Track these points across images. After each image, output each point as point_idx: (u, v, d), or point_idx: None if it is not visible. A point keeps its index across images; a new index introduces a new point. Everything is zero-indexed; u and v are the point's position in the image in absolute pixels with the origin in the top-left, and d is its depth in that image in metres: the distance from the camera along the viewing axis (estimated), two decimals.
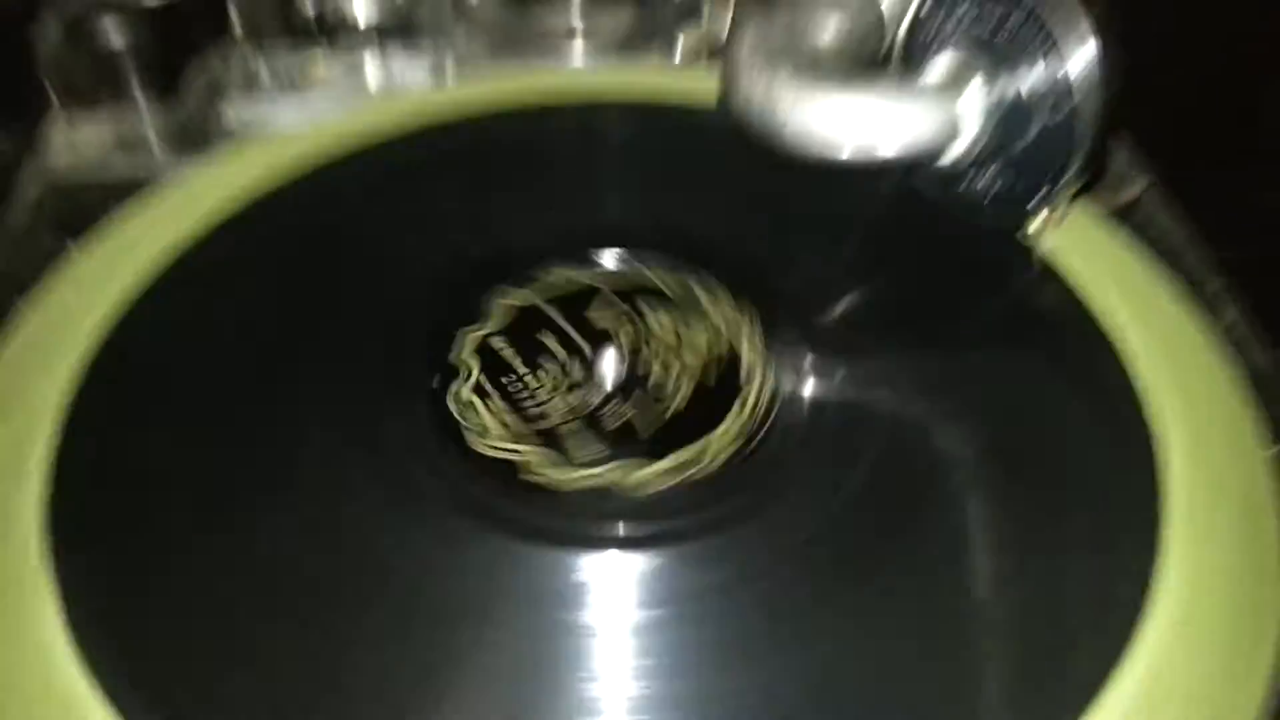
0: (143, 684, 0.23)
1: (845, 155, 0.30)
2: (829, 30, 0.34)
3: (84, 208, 0.40)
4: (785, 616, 0.25)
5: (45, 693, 0.23)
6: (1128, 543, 0.26)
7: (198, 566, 0.26)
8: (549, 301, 0.33)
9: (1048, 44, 0.29)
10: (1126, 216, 0.39)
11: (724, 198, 0.36)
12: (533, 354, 0.31)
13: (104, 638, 0.24)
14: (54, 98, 0.43)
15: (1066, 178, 0.30)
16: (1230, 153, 0.37)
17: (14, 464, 0.28)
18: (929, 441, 0.30)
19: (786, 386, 0.30)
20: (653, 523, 0.27)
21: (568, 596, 0.25)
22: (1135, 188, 0.40)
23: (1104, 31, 0.29)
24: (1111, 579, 0.26)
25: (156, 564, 0.26)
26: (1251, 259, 0.36)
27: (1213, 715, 0.24)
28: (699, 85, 0.38)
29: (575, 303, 0.33)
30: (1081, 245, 0.34)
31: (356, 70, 0.47)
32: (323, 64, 0.47)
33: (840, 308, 0.33)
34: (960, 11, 0.31)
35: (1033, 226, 0.32)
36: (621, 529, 0.27)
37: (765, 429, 0.29)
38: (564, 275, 0.33)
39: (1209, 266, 0.38)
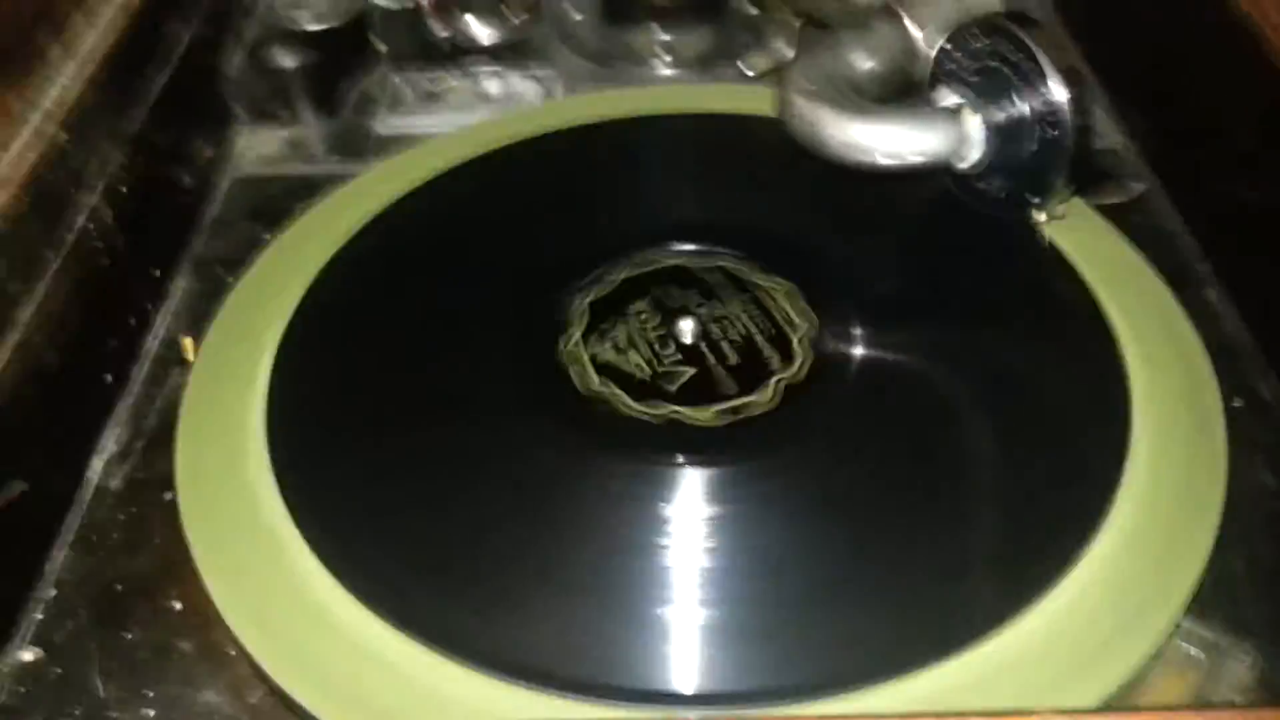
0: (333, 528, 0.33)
1: (876, 164, 0.38)
2: (868, 61, 0.41)
3: (266, 201, 0.49)
4: (818, 510, 0.34)
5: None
6: (1100, 455, 0.34)
7: (380, 458, 0.36)
8: (636, 279, 0.41)
9: (1041, 77, 0.36)
10: (1130, 211, 0.46)
11: (780, 196, 0.44)
12: (624, 318, 0.40)
13: (310, 501, 0.34)
14: (239, 111, 0.53)
15: (1059, 182, 0.38)
16: (1220, 157, 0.44)
17: (242, 397, 0.37)
18: (941, 391, 0.37)
19: (826, 349, 0.38)
20: (710, 448, 0.35)
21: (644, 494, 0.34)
22: (1138, 187, 0.47)
23: (1081, 69, 0.36)
24: (1084, 480, 0.33)
25: (349, 456, 0.36)
26: (1233, 245, 0.43)
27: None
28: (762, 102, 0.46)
29: (657, 281, 0.41)
30: (1079, 234, 0.41)
31: (481, 87, 0.55)
32: (453, 81, 0.56)
33: (875, 287, 0.41)
34: (973, 49, 0.39)
35: (1035, 220, 0.39)
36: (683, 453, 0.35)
37: (807, 382, 0.37)
38: (649, 260, 0.42)
39: (1196, 252, 0.44)
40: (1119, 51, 0.53)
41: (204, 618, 0.33)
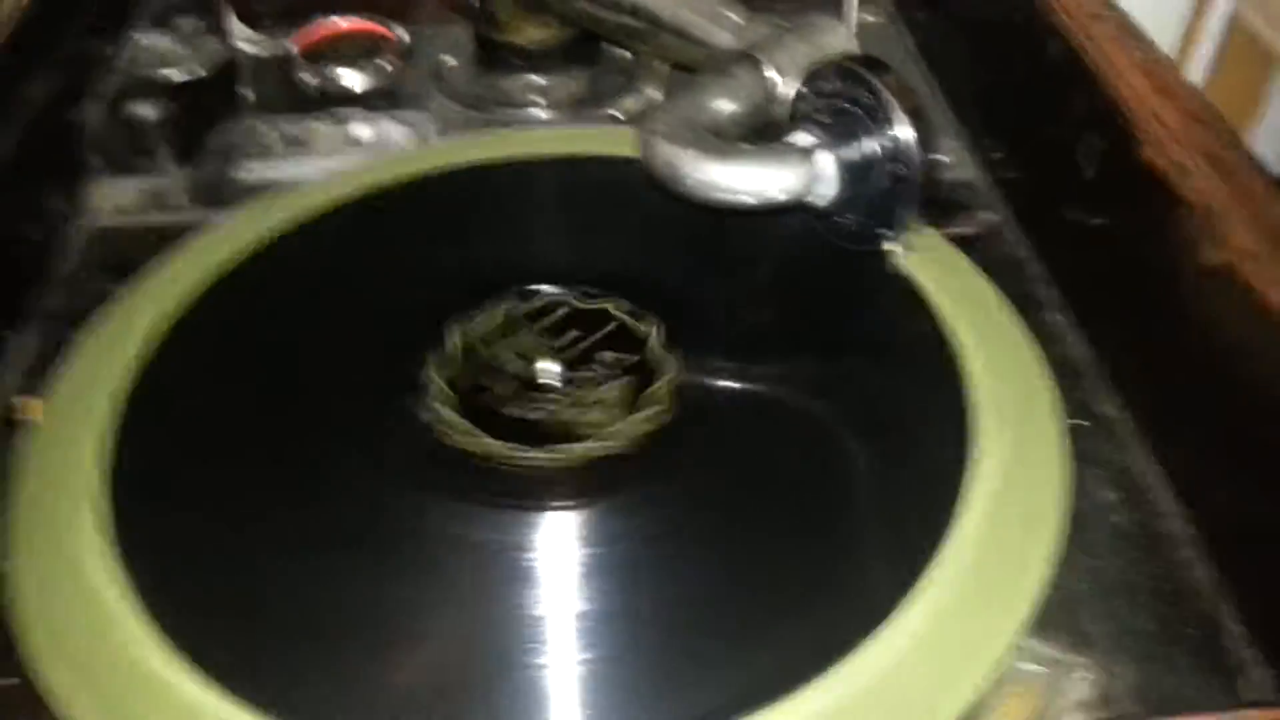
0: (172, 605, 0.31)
1: (732, 201, 0.39)
2: (730, 104, 0.42)
3: (122, 252, 0.48)
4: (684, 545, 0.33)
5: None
6: (943, 474, 0.35)
7: (223, 525, 0.34)
8: (501, 322, 0.41)
9: (888, 119, 0.38)
10: (983, 240, 0.48)
11: (645, 236, 0.44)
12: (486, 359, 0.39)
13: (147, 576, 0.32)
14: (95, 163, 0.52)
15: (908, 216, 0.39)
16: (1066, 188, 0.46)
17: (74, 465, 0.36)
18: (798, 422, 0.38)
19: (689, 386, 0.38)
20: (576, 488, 0.35)
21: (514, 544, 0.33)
22: (990, 217, 0.49)
23: (930, 106, 0.37)
24: (934, 491, 0.34)
25: (193, 529, 0.34)
26: (1077, 271, 0.45)
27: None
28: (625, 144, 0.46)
29: (521, 324, 0.41)
30: (930, 263, 0.42)
31: (350, 132, 0.55)
32: (321, 127, 0.55)
33: (736, 322, 0.41)
34: (826, 91, 0.40)
35: (888, 251, 0.40)
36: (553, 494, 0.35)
37: (670, 417, 0.37)
38: (513, 304, 0.42)
39: (1043, 278, 0.46)
40: (973, 85, 0.55)
41: (35, 697, 0.31)
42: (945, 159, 0.51)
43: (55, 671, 0.30)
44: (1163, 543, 0.36)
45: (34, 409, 0.40)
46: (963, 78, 0.56)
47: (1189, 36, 0.75)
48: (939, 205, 0.40)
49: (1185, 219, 0.37)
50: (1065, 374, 0.40)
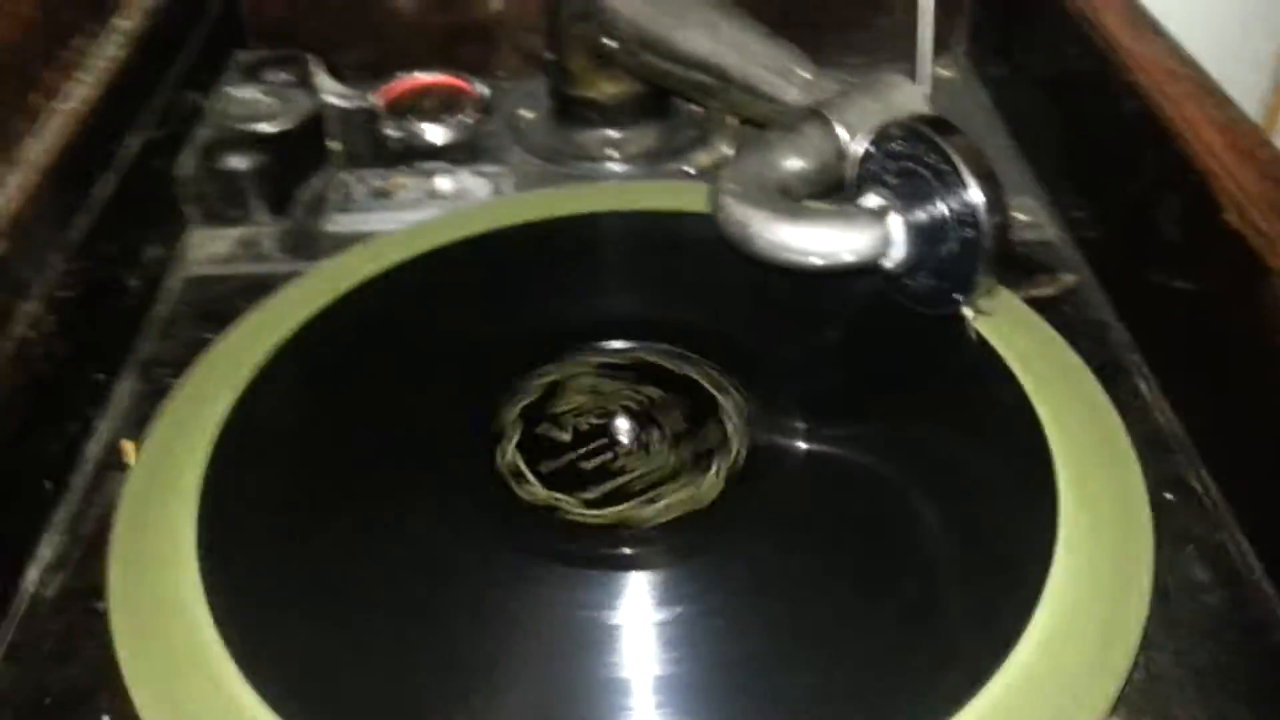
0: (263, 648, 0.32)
1: (802, 264, 0.39)
2: (798, 162, 0.43)
3: (216, 301, 0.50)
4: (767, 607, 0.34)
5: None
6: (1026, 551, 0.34)
7: (312, 573, 0.36)
8: (576, 376, 0.42)
9: (957, 182, 0.38)
10: (1063, 303, 0.47)
11: (719, 292, 0.45)
12: (561, 417, 0.40)
13: (239, 618, 0.33)
14: (190, 212, 0.54)
15: (980, 279, 0.39)
16: (1149, 249, 0.45)
17: (175, 505, 0.37)
18: (872, 489, 0.38)
19: (761, 443, 0.39)
20: (649, 548, 0.35)
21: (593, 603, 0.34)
22: (1071, 279, 0.48)
23: (994, 174, 0.37)
24: (1010, 577, 0.34)
25: (282, 570, 0.36)
26: (1164, 337, 0.44)
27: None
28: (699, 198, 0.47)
29: (594, 379, 0.42)
30: (1008, 327, 0.42)
31: (432, 184, 0.57)
32: (403, 179, 0.57)
33: (810, 383, 0.42)
34: (895, 152, 0.40)
35: (962, 315, 0.40)
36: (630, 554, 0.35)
37: (743, 476, 0.38)
38: (586, 358, 0.43)
39: (1127, 343, 0.45)
40: (1051, 141, 0.55)
41: None
42: (1020, 218, 0.50)
43: (151, 711, 0.32)
44: (1259, 627, 0.35)
45: (129, 451, 0.42)
46: (1040, 133, 0.56)
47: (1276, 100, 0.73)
48: (1016, 266, 0.40)
49: (1272, 287, 0.36)
50: (1152, 445, 0.40)
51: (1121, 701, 0.31)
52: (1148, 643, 0.33)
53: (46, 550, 0.39)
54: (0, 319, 0.39)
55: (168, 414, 0.41)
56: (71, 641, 0.36)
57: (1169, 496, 0.39)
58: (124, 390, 0.45)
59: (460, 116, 0.60)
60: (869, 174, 0.41)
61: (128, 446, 0.42)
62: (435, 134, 0.60)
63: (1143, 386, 0.43)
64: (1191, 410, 0.42)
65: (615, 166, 0.58)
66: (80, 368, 0.43)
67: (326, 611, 0.34)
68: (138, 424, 0.43)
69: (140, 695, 0.32)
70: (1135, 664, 0.32)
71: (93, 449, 0.43)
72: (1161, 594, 0.34)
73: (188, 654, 0.33)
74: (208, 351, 0.44)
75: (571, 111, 0.59)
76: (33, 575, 0.38)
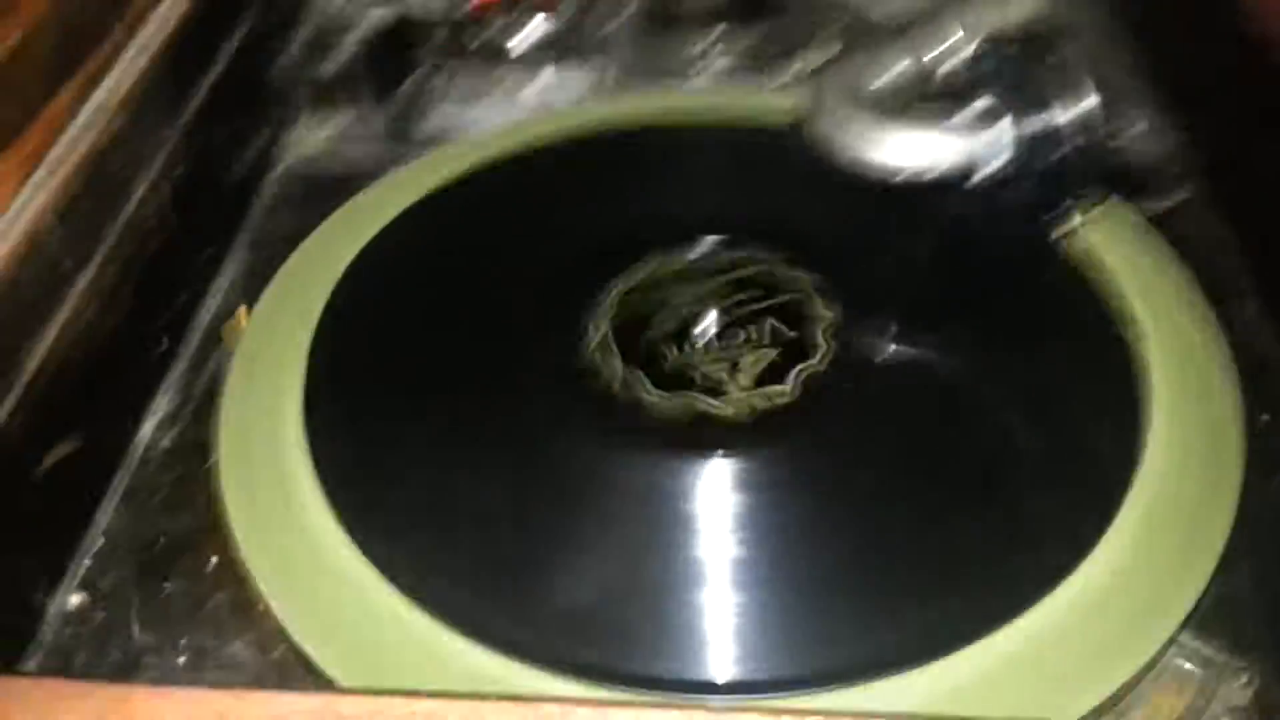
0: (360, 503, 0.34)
1: (905, 171, 0.39)
2: (903, 63, 0.42)
3: (319, 186, 0.51)
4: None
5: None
6: (1111, 460, 0.34)
7: (409, 439, 0.37)
8: (665, 274, 0.42)
9: (1073, 86, 0.37)
10: (1176, 217, 0.45)
11: (810, 199, 0.45)
12: (653, 310, 0.41)
13: (340, 475, 0.35)
14: (295, 99, 0.55)
15: (1087, 190, 0.38)
16: (1266, 173, 0.43)
17: (282, 372, 0.39)
18: (961, 392, 0.38)
19: (850, 346, 0.39)
20: (733, 438, 0.36)
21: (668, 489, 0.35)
22: (1183, 194, 0.46)
23: (1111, 79, 0.36)
24: (1093, 486, 0.34)
25: (381, 435, 0.37)
26: (1276, 261, 0.42)
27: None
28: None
29: (687, 276, 0.42)
30: (1116, 238, 0.41)
31: (527, 84, 0.57)
32: (497, 82, 0.57)
33: (900, 288, 0.41)
34: (1007, 54, 0.39)
35: (1063, 229, 0.40)
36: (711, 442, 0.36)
37: (829, 378, 0.38)
38: (678, 257, 0.43)
39: (1242, 264, 0.44)
40: (1173, 59, 0.52)
41: (237, 575, 0.35)
42: (1134, 129, 0.48)
43: (254, 557, 0.34)
44: None
45: (241, 317, 0.44)
46: (1157, 43, 0.53)
47: None
48: (1128, 179, 0.38)
49: None
50: (1256, 367, 0.38)
51: (1194, 618, 0.31)
52: (1225, 564, 0.32)
53: (161, 406, 0.41)
54: (118, 189, 0.41)
55: (277, 286, 0.43)
56: (183, 491, 0.38)
57: (1266, 418, 0.38)
58: (235, 263, 0.47)
59: (551, 17, 0.59)
60: (980, 77, 0.40)
61: (240, 312, 0.44)
62: (526, 35, 0.59)
63: (1251, 308, 0.42)
64: None
65: (709, 72, 0.57)
66: (193, 239, 0.45)
67: (419, 475, 0.36)
68: (247, 295, 0.45)
69: (245, 542, 0.35)
70: (1210, 584, 0.32)
71: (204, 317, 0.45)
72: (1246, 515, 0.34)
73: (290, 508, 0.35)
74: (316, 231, 0.46)
75: (665, 15, 0.58)
76: (147, 429, 0.41)
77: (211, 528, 0.37)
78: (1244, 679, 0.31)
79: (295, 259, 0.44)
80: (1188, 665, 0.31)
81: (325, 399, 0.38)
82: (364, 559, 0.33)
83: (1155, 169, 0.47)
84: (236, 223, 0.49)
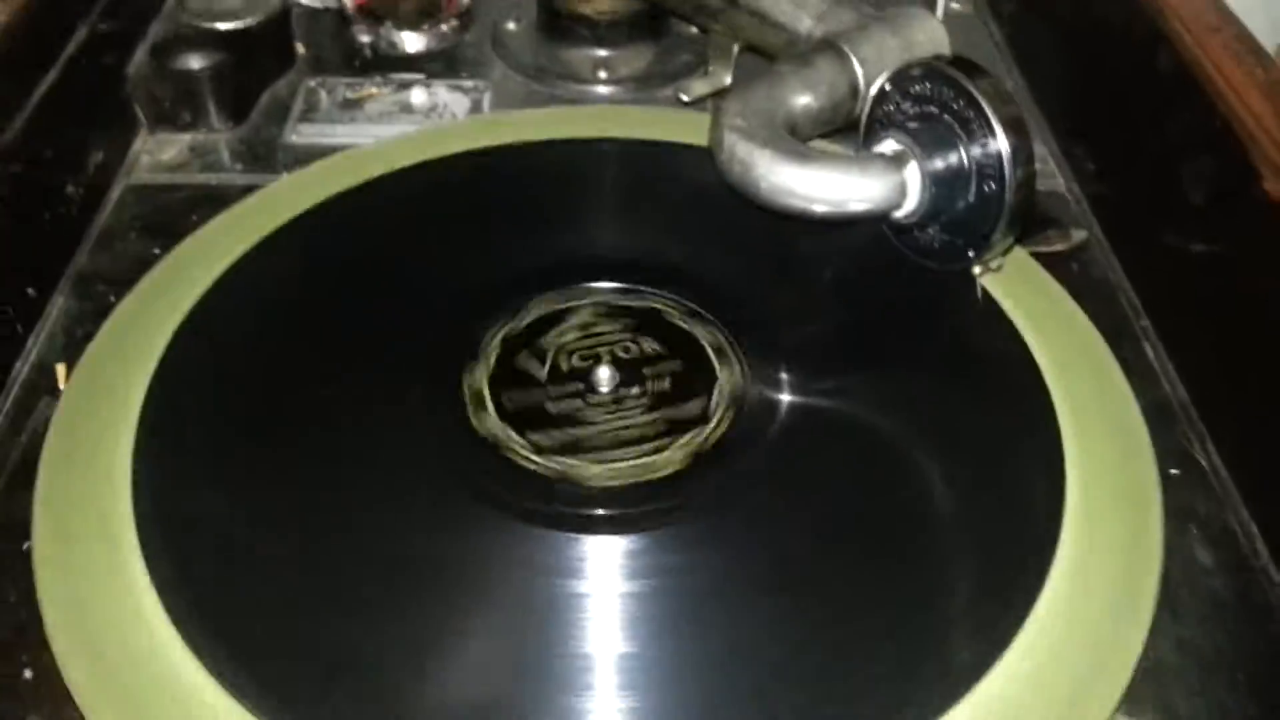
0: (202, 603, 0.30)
1: (810, 211, 0.36)
2: (807, 97, 0.39)
3: (163, 212, 0.46)
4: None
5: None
6: (1031, 531, 0.32)
7: (261, 521, 0.33)
8: (553, 315, 0.39)
9: (983, 127, 0.35)
10: (1070, 259, 0.45)
11: (710, 234, 0.42)
12: (536, 363, 0.37)
13: (178, 566, 0.31)
14: (139, 114, 0.50)
15: (998, 234, 0.36)
16: (1168, 210, 0.43)
17: (110, 423, 0.34)
18: (868, 453, 0.35)
19: (750, 402, 0.36)
20: (624, 510, 0.33)
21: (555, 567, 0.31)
22: (1080, 235, 0.46)
23: (1027, 114, 0.34)
24: (1013, 560, 0.32)
25: (228, 515, 0.33)
26: (1174, 302, 0.42)
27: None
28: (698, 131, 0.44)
29: (575, 319, 0.39)
30: (1016, 285, 0.39)
31: (404, 97, 0.52)
32: (374, 90, 0.53)
33: (803, 336, 0.39)
34: (914, 93, 0.37)
35: (971, 272, 0.38)
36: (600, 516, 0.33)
37: (726, 437, 0.35)
38: (564, 298, 0.39)
39: (1135, 306, 0.43)
40: (1071, 93, 0.52)
41: (57, 692, 0.30)
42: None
43: (75, 667, 0.29)
44: (1263, 614, 0.33)
45: (61, 376, 0.39)
46: (1054, 79, 0.53)
47: None
48: (1029, 220, 0.37)
49: None
50: (1157, 415, 0.38)
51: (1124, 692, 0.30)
52: (1150, 630, 0.31)
53: None
54: None
55: (106, 335, 0.38)
56: None
57: (1174, 472, 0.37)
58: (59, 307, 0.42)
59: (439, 24, 0.55)
60: (885, 115, 0.38)
61: (60, 369, 0.39)
62: (411, 42, 0.55)
63: (1149, 352, 0.41)
64: (1200, 381, 0.40)
65: (603, 89, 0.54)
66: (11, 281, 0.39)
67: (272, 563, 0.31)
68: (73, 345, 0.40)
69: (65, 649, 0.30)
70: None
71: (20, 370, 0.39)
72: (1165, 577, 0.32)
73: (120, 606, 0.30)
74: (154, 268, 0.41)
75: (560, 26, 0.55)
76: None
77: (26, 629, 0.31)
78: None
79: (127, 303, 0.39)
80: None
81: (161, 472, 0.33)
82: (207, 671, 0.28)
83: (1047, 210, 0.47)
84: (65, 257, 0.43)
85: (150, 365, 0.36)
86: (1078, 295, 0.41)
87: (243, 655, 0.29)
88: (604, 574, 0.31)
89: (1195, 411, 0.39)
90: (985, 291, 0.39)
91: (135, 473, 0.33)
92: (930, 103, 0.36)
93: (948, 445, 0.35)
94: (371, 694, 0.28)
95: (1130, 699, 0.30)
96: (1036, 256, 0.42)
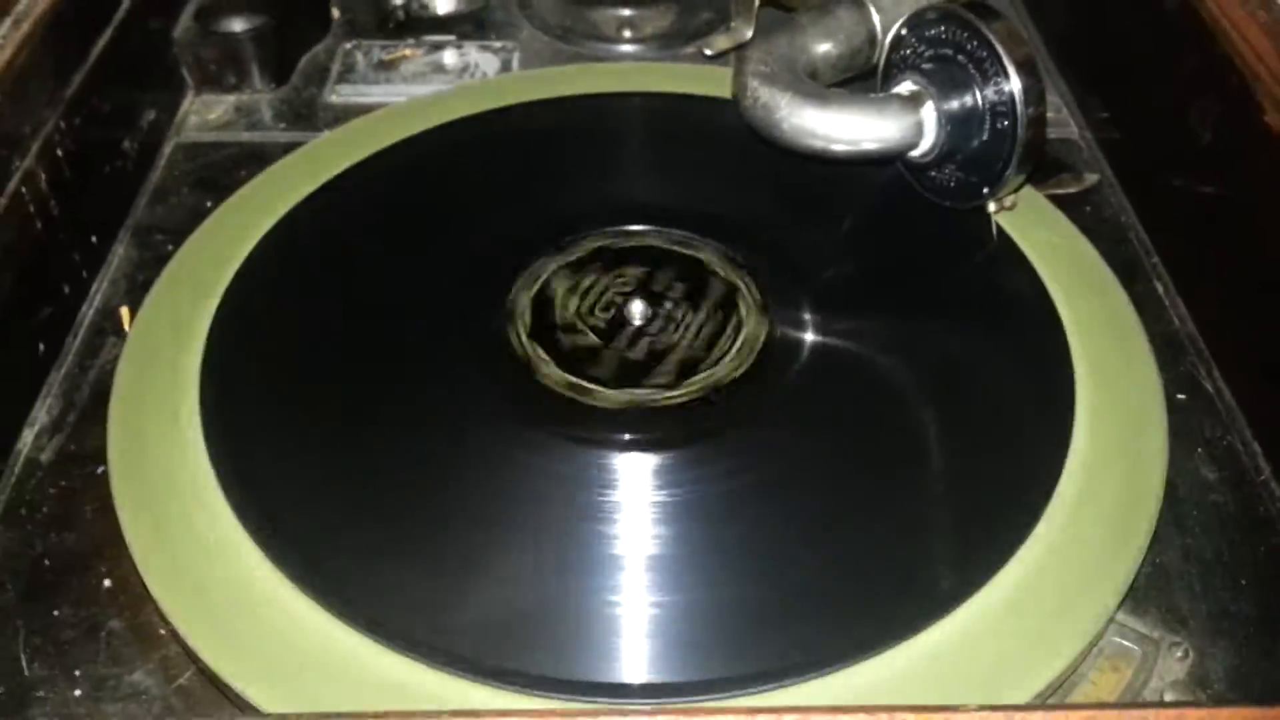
0: (268, 508, 0.32)
1: (830, 151, 0.38)
2: (827, 44, 0.41)
3: (211, 168, 0.48)
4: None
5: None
6: (1041, 447, 0.34)
7: (316, 435, 0.35)
8: (587, 262, 0.41)
9: (995, 66, 0.36)
10: (1083, 201, 0.46)
11: (735, 181, 0.44)
12: (575, 300, 0.39)
13: (244, 480, 0.33)
14: (185, 76, 0.52)
15: (1010, 172, 0.37)
16: (1176, 152, 0.44)
17: (176, 371, 0.36)
18: (887, 382, 0.37)
19: (775, 337, 0.38)
20: (656, 430, 0.35)
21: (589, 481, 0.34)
22: (1092, 178, 0.47)
23: (1039, 58, 0.36)
24: (1024, 473, 0.34)
25: (286, 433, 0.35)
26: (1183, 240, 0.43)
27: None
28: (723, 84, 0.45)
29: (608, 262, 0.41)
30: (1031, 224, 0.41)
31: (437, 58, 0.54)
32: (407, 51, 0.55)
33: (826, 275, 0.41)
34: (930, 36, 0.38)
35: (986, 209, 0.39)
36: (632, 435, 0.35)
37: (754, 366, 0.37)
38: (602, 242, 0.41)
39: (1145, 246, 0.45)
40: (1081, 41, 0.53)
41: (134, 596, 0.33)
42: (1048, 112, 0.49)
43: (154, 574, 0.31)
44: (1264, 526, 0.35)
45: (127, 318, 0.41)
46: (1067, 27, 0.54)
47: None
48: (1042, 162, 0.39)
49: None
50: (1166, 347, 0.40)
51: (1128, 595, 0.32)
52: (1155, 537, 0.33)
53: (41, 414, 0.38)
54: None
55: (165, 280, 0.40)
56: (71, 505, 0.35)
57: (1181, 398, 0.39)
58: (120, 256, 0.44)
59: None
60: (902, 60, 0.40)
61: (125, 312, 0.41)
62: (442, 4, 0.57)
63: (1159, 288, 0.43)
64: (1206, 314, 0.41)
65: (628, 47, 0.55)
66: (74, 229, 0.42)
67: (331, 476, 0.34)
68: (132, 290, 0.42)
69: (143, 558, 0.32)
70: (1143, 560, 0.32)
71: (86, 313, 0.42)
72: (1171, 492, 0.34)
73: (193, 518, 0.33)
74: (207, 220, 0.43)
75: None
76: (27, 438, 0.37)
77: (102, 545, 0.34)
78: (1180, 653, 0.31)
79: (185, 250, 0.41)
80: (1125, 643, 0.31)
81: (225, 399, 0.35)
82: (276, 570, 0.31)
83: (1059, 154, 0.48)
84: (123, 208, 0.46)
85: (211, 305, 0.38)
86: (1090, 235, 0.42)
87: (308, 549, 0.31)
88: (652, 485, 0.34)
89: (1202, 342, 0.41)
90: (1000, 228, 0.41)
91: (201, 399, 0.35)
92: (945, 45, 0.38)
93: (966, 370, 0.37)
94: (450, 596, 0.31)
95: (1139, 600, 0.33)
96: (1051, 199, 0.44)
